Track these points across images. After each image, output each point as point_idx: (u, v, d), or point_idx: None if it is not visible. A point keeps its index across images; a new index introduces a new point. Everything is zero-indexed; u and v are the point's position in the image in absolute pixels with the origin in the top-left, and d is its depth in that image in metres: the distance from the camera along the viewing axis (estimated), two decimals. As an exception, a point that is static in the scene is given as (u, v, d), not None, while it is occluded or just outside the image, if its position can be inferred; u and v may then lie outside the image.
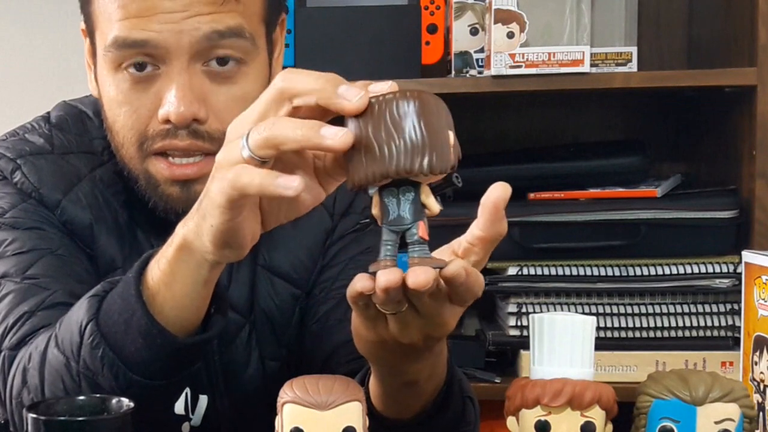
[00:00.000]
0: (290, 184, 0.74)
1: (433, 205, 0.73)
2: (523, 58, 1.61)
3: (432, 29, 1.74)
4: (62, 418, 0.77)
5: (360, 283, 0.74)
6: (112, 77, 1.03)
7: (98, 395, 0.82)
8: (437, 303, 0.76)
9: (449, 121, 0.74)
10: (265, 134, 0.75)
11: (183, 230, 0.84)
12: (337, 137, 0.72)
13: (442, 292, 0.75)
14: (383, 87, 0.73)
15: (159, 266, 0.87)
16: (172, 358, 0.88)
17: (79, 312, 0.91)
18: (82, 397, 0.81)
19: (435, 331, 0.79)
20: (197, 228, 0.82)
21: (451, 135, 0.73)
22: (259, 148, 0.75)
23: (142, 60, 1.01)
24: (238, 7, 1.01)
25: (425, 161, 0.71)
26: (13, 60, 2.13)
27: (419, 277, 0.71)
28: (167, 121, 1.00)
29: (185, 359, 0.90)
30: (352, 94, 0.73)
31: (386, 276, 0.71)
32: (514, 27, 1.61)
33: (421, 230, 0.72)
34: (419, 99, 0.72)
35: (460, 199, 1.70)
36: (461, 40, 1.75)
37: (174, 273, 0.85)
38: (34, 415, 0.76)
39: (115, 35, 1.00)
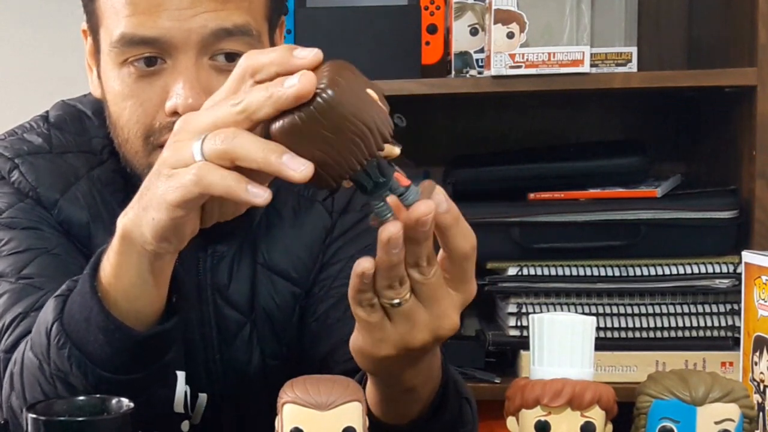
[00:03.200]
0: (261, 193, 0.74)
1: (392, 150, 0.74)
2: (523, 58, 1.61)
3: (432, 29, 1.74)
4: (62, 418, 0.77)
5: (360, 266, 0.75)
6: (117, 72, 1.03)
7: (98, 395, 0.81)
8: (437, 285, 0.76)
9: (362, 79, 0.74)
10: (223, 147, 0.74)
11: (123, 220, 0.84)
12: (298, 169, 0.72)
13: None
14: (309, 52, 0.75)
15: (108, 259, 0.86)
16: (134, 352, 0.87)
17: (47, 313, 0.90)
18: (81, 397, 0.81)
19: (442, 328, 0.78)
20: (136, 218, 0.81)
21: (371, 92, 0.73)
22: (217, 158, 0.75)
23: (149, 55, 1.01)
24: (243, 3, 1.01)
25: (375, 142, 0.72)
26: (13, 60, 2.13)
27: (420, 208, 0.72)
28: (174, 113, 1.00)
29: (149, 352, 0.89)
30: (306, 53, 0.75)
31: (388, 228, 0.72)
32: (514, 27, 1.61)
33: (402, 180, 0.74)
34: (332, 89, 0.71)
35: (460, 199, 1.71)
36: (461, 40, 1.75)
37: (120, 264, 0.85)
38: (34, 415, 0.76)
39: (122, 32, 1.00)
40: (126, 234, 0.83)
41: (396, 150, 0.74)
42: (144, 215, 0.80)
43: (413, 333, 0.78)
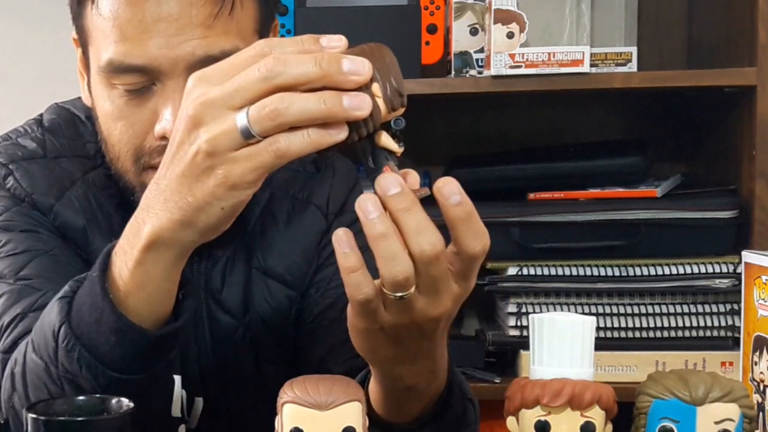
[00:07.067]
0: (339, 134, 0.75)
1: (387, 142, 0.76)
2: (523, 58, 1.61)
3: (432, 29, 1.74)
4: (62, 418, 0.77)
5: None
6: (107, 93, 1.02)
7: (98, 395, 0.81)
8: (440, 278, 0.76)
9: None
10: (275, 106, 0.74)
11: (151, 229, 0.82)
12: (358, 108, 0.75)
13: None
14: (335, 40, 0.76)
15: (128, 267, 0.85)
16: (146, 351, 0.87)
17: (51, 315, 0.90)
18: (81, 397, 0.81)
19: (432, 315, 0.78)
20: (184, 218, 0.80)
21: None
22: (266, 131, 0.74)
23: (138, 80, 1.00)
24: (231, 25, 1.00)
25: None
26: (13, 60, 2.13)
27: (382, 182, 0.74)
28: (163, 137, 1.00)
29: (160, 349, 0.89)
30: (333, 44, 0.77)
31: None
32: (514, 27, 1.61)
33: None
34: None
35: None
36: (461, 40, 1.75)
37: (148, 272, 0.84)
38: (34, 415, 0.76)
39: (110, 58, 0.99)
40: (157, 241, 0.82)
41: (393, 145, 0.76)
42: (209, 209, 0.79)
43: (406, 315, 0.77)
